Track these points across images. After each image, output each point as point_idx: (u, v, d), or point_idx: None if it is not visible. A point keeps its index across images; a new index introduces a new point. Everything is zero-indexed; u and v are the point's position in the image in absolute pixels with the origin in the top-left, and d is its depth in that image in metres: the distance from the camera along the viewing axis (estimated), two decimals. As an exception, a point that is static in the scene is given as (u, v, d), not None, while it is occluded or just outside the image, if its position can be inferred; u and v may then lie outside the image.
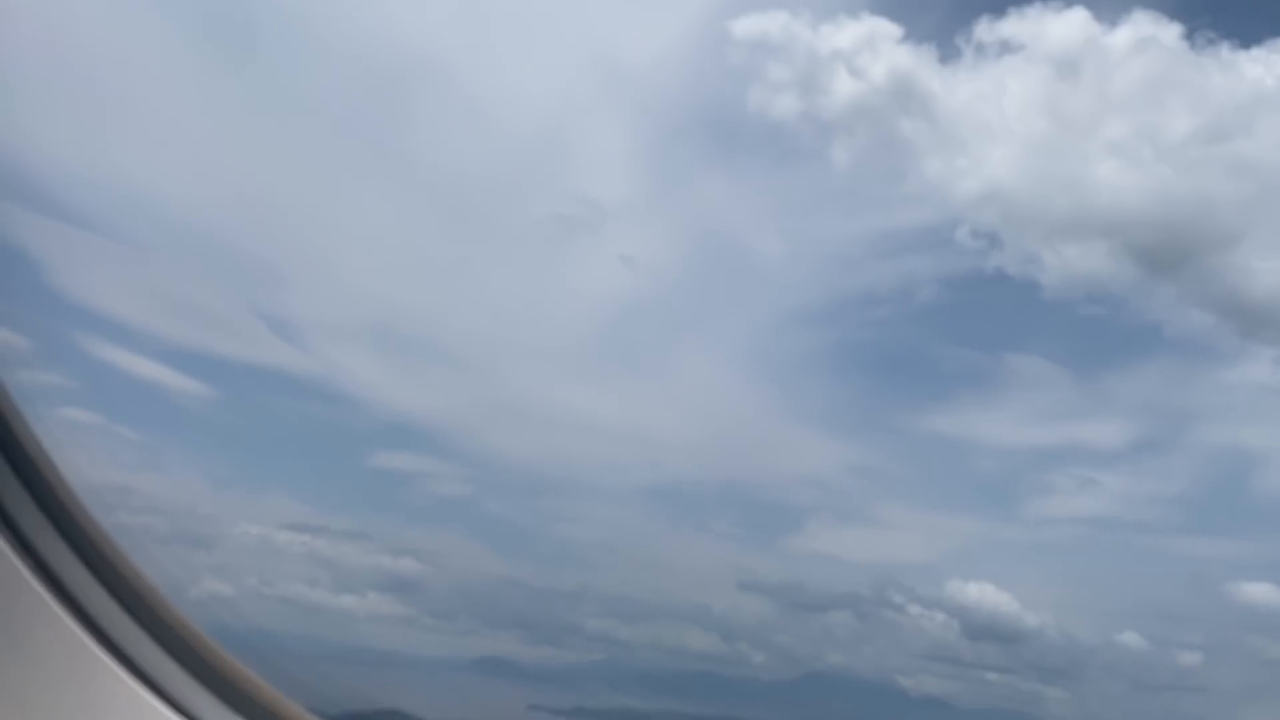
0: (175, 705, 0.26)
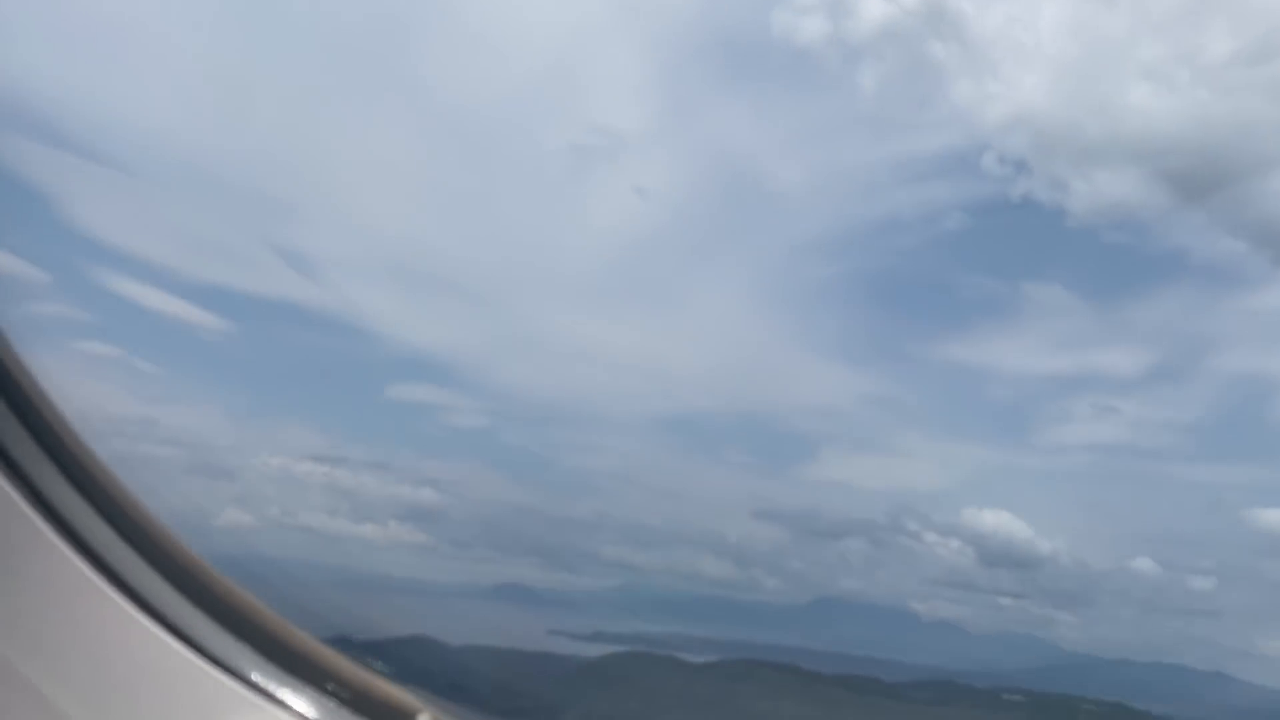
0: (173, 629, 0.26)
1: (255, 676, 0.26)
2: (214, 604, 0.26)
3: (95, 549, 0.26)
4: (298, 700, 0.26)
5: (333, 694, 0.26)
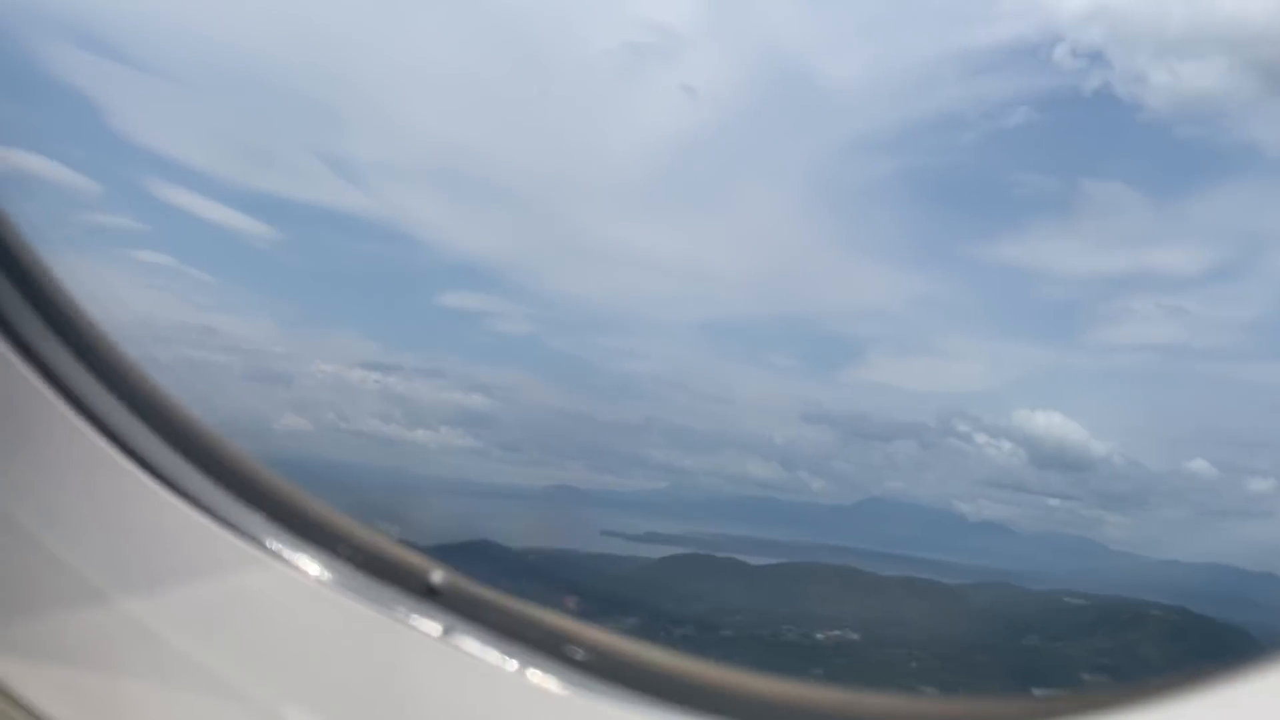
0: (188, 497, 0.26)
1: (269, 541, 0.26)
2: (227, 473, 0.26)
3: (109, 424, 0.27)
4: (310, 563, 0.26)
5: (346, 557, 0.26)
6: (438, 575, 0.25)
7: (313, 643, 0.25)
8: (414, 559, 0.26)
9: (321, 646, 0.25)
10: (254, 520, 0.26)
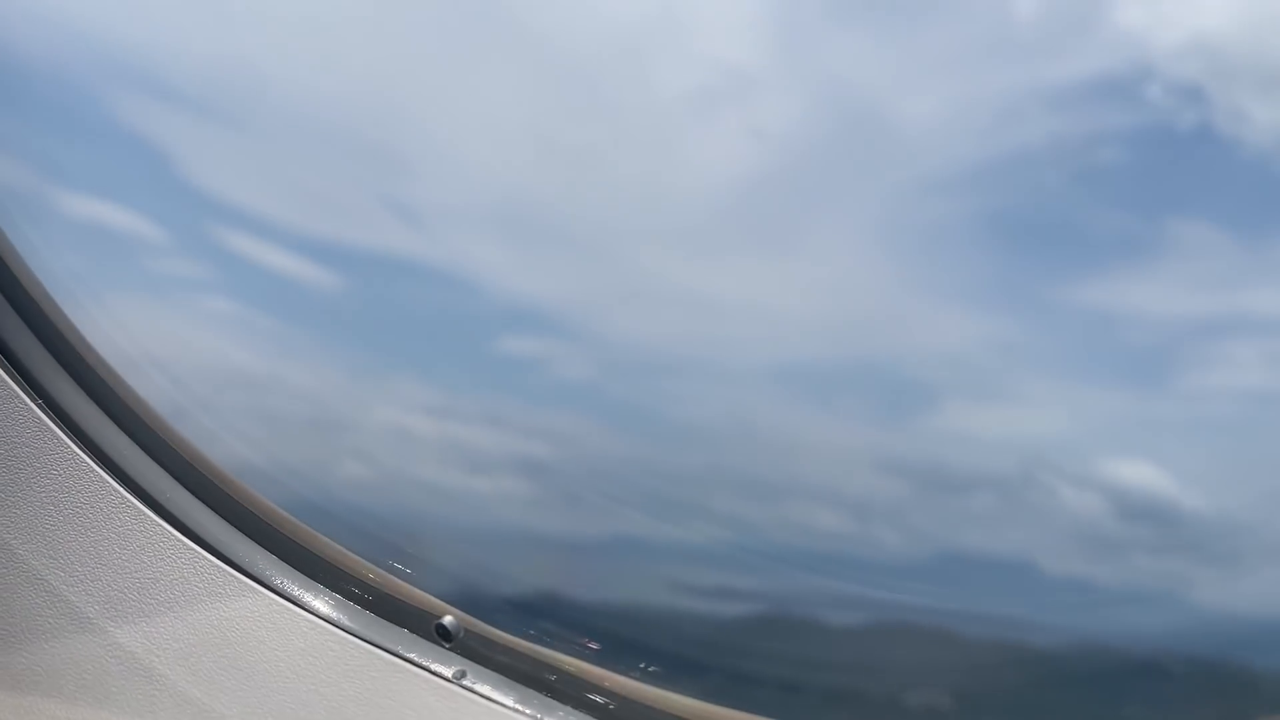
0: (192, 535, 0.26)
1: (276, 580, 0.25)
2: (234, 511, 0.26)
3: (113, 458, 0.26)
4: (319, 603, 0.24)
5: (355, 597, 0.25)
6: (450, 618, 0.23)
7: (317, 684, 0.24)
8: (425, 599, 0.24)
9: (327, 688, 0.24)
10: (260, 557, 0.25)
